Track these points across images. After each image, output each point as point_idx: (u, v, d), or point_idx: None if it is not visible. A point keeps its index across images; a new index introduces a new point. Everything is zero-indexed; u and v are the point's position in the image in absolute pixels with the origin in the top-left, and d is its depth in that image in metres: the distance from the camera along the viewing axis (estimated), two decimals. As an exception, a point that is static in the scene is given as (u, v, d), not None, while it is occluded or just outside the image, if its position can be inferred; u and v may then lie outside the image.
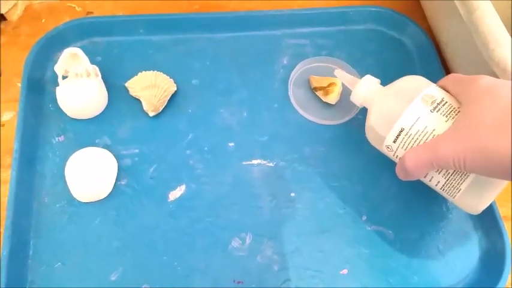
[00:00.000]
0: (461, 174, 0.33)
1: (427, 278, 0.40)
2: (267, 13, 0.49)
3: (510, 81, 0.31)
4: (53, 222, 0.39)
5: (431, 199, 0.43)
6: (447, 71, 0.48)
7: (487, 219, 0.41)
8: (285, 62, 0.48)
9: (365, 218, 0.41)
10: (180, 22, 0.48)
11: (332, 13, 0.50)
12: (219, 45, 0.49)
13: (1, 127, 0.44)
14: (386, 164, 0.43)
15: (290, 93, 0.47)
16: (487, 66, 0.38)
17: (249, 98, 0.46)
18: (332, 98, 0.46)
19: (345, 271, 0.39)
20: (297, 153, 0.44)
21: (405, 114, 0.34)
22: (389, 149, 0.37)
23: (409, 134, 0.34)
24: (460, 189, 0.34)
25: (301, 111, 0.46)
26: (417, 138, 0.34)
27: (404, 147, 0.35)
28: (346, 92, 0.46)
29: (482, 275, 0.40)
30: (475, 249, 0.41)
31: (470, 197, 0.34)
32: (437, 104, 0.34)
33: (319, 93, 0.47)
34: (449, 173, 0.34)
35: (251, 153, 0.43)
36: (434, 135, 0.33)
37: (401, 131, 0.35)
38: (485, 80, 0.32)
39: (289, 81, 0.47)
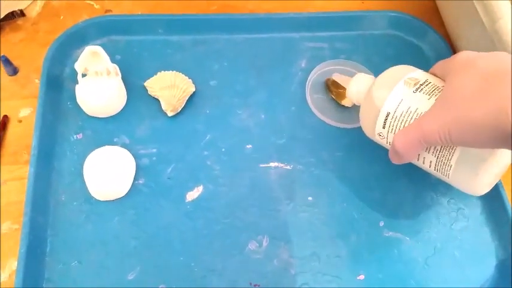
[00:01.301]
0: (449, 149, 0.33)
1: (443, 285, 0.39)
2: (286, 16, 0.49)
3: (486, 53, 0.31)
4: (69, 220, 0.39)
5: (449, 207, 0.42)
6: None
7: (504, 228, 0.41)
8: (302, 65, 0.48)
9: (382, 223, 0.41)
10: (200, 23, 0.48)
11: (351, 17, 0.50)
12: (238, 46, 0.48)
13: (19, 123, 0.44)
14: (404, 169, 0.43)
15: (307, 96, 0.47)
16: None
17: (266, 100, 0.46)
18: (348, 100, 0.46)
19: (361, 277, 0.39)
20: (314, 156, 0.44)
21: (389, 99, 0.35)
22: (381, 137, 0.37)
23: (394, 116, 0.35)
24: (451, 165, 0.34)
25: (318, 114, 0.46)
26: (403, 120, 0.35)
27: (393, 131, 0.36)
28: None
29: (499, 284, 0.40)
30: (491, 257, 0.41)
31: (463, 173, 0.34)
32: (420, 85, 0.35)
33: (335, 96, 0.46)
34: (437, 149, 0.34)
35: (268, 155, 0.43)
36: (418, 113, 0.34)
37: (387, 115, 0.36)
38: (463, 54, 0.32)
39: (307, 84, 0.47)
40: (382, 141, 0.38)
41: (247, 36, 0.49)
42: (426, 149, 0.35)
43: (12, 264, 0.38)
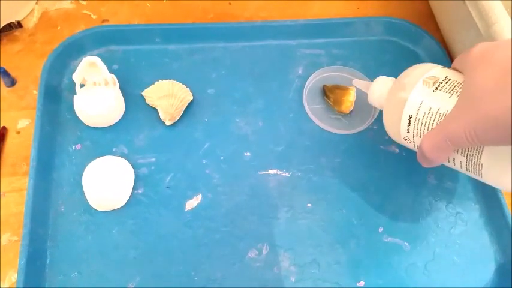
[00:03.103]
0: (477, 148, 0.32)
1: (443, 290, 0.40)
2: (283, 23, 0.49)
3: (503, 42, 0.30)
4: (69, 231, 0.39)
5: (447, 211, 0.43)
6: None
7: (503, 231, 0.41)
8: (300, 72, 0.49)
9: (381, 229, 0.41)
10: (197, 31, 0.48)
11: (347, 23, 0.50)
12: (235, 54, 0.49)
13: (17, 134, 0.44)
14: (403, 175, 0.43)
15: (304, 103, 0.47)
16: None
17: (264, 107, 0.46)
18: (345, 107, 0.46)
19: (361, 283, 0.39)
20: (313, 163, 0.44)
21: (409, 101, 0.34)
22: (408, 141, 0.36)
23: (417, 119, 0.34)
24: (482, 164, 0.32)
25: (315, 121, 0.46)
26: (426, 122, 0.34)
27: (419, 134, 0.35)
28: (359, 101, 0.46)
29: (498, 288, 0.40)
30: (490, 261, 0.41)
31: (495, 171, 0.32)
32: (440, 83, 0.33)
33: (333, 103, 0.47)
34: (465, 149, 0.33)
35: (267, 163, 0.44)
36: (440, 114, 0.32)
37: (410, 119, 0.35)
38: (478, 46, 0.31)
39: (304, 90, 0.47)
40: (410, 145, 0.37)
41: (244, 44, 0.49)
42: (455, 150, 0.33)
43: (12, 276, 0.38)
